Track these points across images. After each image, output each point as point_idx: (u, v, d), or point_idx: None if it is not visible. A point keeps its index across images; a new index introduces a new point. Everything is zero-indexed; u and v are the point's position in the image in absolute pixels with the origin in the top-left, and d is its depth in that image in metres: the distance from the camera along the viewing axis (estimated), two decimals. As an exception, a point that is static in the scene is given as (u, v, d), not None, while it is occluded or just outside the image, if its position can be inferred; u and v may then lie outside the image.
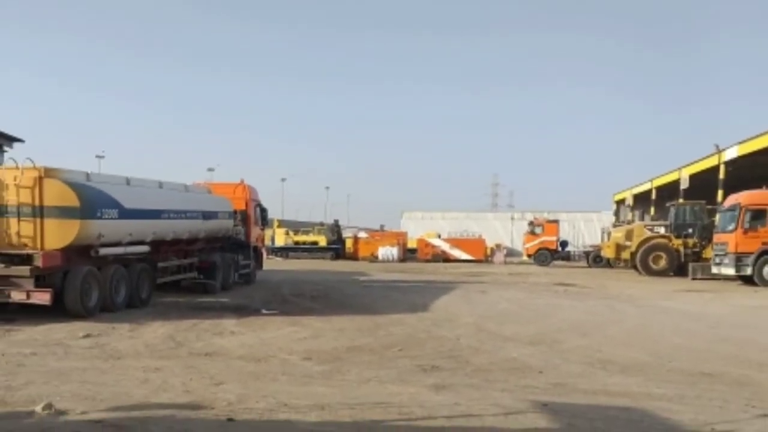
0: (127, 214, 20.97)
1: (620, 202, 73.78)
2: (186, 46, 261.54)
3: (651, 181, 61.30)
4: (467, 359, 14.52)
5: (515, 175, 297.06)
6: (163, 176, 25.59)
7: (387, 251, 62.87)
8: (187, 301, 24.32)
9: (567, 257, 62.19)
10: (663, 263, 43.82)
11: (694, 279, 40.10)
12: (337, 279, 37.52)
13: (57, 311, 18.89)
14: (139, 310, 21.32)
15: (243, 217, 31.70)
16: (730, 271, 35.87)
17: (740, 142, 41.34)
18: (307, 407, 10.05)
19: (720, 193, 42.72)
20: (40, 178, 18.98)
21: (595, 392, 11.60)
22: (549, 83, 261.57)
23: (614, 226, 62.95)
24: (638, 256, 44.77)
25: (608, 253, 52.03)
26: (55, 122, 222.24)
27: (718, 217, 39.39)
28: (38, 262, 18.59)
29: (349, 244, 66.19)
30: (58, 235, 18.98)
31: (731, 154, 42.45)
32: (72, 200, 18.94)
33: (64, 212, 18.94)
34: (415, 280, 38.12)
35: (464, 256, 64.20)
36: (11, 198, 19.04)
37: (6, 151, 46.72)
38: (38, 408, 9.43)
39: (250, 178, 43.76)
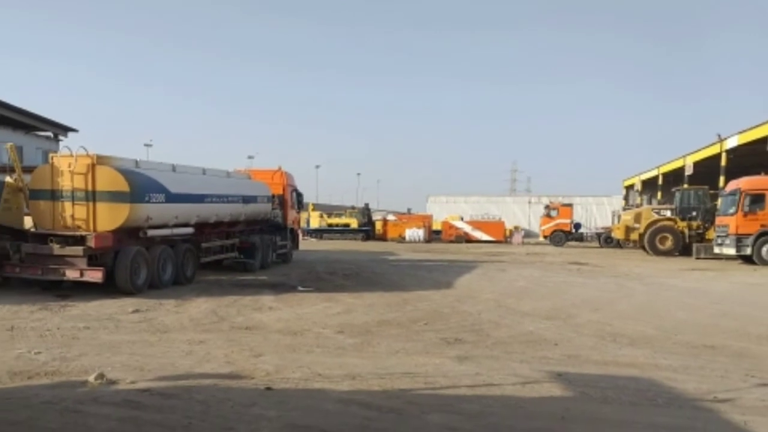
0: (173, 198, 21.01)
1: (629, 187, 73.44)
2: (228, 42, 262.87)
3: (658, 167, 61.10)
4: (488, 333, 14.45)
5: (533, 162, 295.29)
6: (207, 163, 25.54)
7: (414, 233, 62.83)
8: (229, 278, 24.34)
9: (580, 238, 62.29)
10: (669, 244, 43.87)
11: (697, 258, 40.26)
12: (367, 258, 37.49)
13: (108, 288, 18.99)
14: (184, 287, 21.36)
15: (280, 201, 31.73)
16: (731, 251, 36.07)
17: (740, 132, 41.34)
18: (339, 377, 10.02)
19: (722, 179, 42.80)
20: (93, 165, 19.03)
21: (606, 363, 11.54)
22: (564, 77, 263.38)
23: (624, 209, 62.87)
24: (646, 237, 44.85)
25: (618, 234, 52.44)
26: (107, 113, 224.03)
27: (719, 201, 39.51)
28: (91, 243, 18.65)
29: (378, 226, 66.14)
30: (110, 217, 19.02)
31: (732, 142, 42.51)
32: (122, 185, 18.98)
33: (115, 197, 18.98)
34: (440, 260, 38.03)
35: (485, 237, 64.04)
36: (66, 183, 19.09)
37: (61, 140, 47.08)
38: (91, 378, 9.44)
39: (287, 165, 43.93)
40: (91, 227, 19.03)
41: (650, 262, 38.00)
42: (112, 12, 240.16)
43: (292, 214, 33.74)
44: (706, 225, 42.92)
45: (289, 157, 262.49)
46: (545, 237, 62.01)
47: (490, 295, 21.18)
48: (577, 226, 63.33)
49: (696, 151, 49.61)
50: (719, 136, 43.93)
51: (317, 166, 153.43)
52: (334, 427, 7.54)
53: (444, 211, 74.01)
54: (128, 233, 19.84)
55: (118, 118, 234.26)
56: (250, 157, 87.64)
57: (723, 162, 43.68)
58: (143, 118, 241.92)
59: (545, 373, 10.58)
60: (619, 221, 54.98)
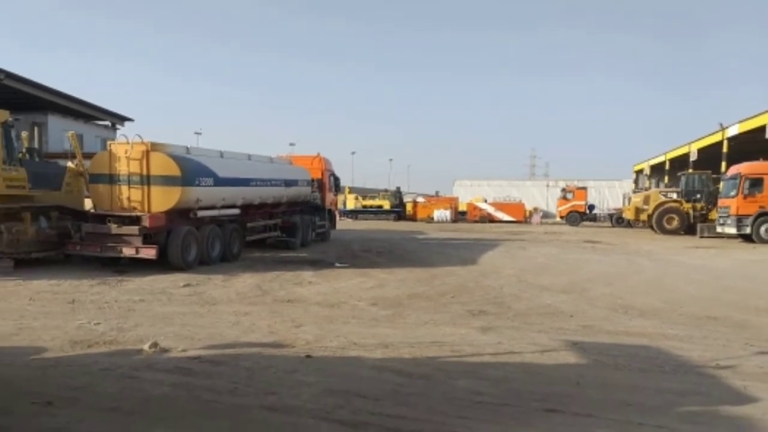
0: (220, 182, 21.06)
1: (639, 172, 72.98)
2: (272, 40, 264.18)
3: (665, 154, 60.82)
4: (509, 305, 14.42)
5: (550, 149, 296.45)
6: (251, 150, 25.54)
7: (441, 213, 62.66)
8: (272, 255, 24.39)
9: (594, 219, 61.95)
10: (675, 224, 43.78)
11: (701, 237, 40.18)
12: (398, 237, 37.44)
13: (161, 264, 19.07)
14: (231, 263, 21.41)
15: (319, 185, 31.70)
16: (732, 230, 36.22)
17: (740, 121, 41.38)
18: (373, 345, 10.03)
19: (723, 164, 42.61)
20: (148, 152, 19.11)
21: (617, 333, 11.52)
22: (579, 71, 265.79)
23: (634, 192, 62.49)
24: (654, 217, 44.80)
25: (629, 215, 52.40)
26: (160, 104, 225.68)
27: (722, 184, 39.55)
28: (146, 223, 18.76)
29: (409, 207, 65.92)
30: (163, 199, 19.10)
31: (733, 131, 42.54)
32: (174, 170, 19.05)
33: (168, 180, 19.06)
34: (465, 238, 37.90)
35: (506, 217, 63.74)
36: (123, 168, 19.20)
37: (118, 129, 47.34)
38: (146, 346, 9.50)
39: (326, 151, 44.00)
40: (146, 208, 19.12)
41: (658, 241, 37.80)
42: (164, 12, 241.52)
43: (329, 196, 33.75)
44: (709, 206, 42.79)
45: (327, 144, 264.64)
46: (562, 217, 61.82)
47: (512, 270, 21.11)
48: (591, 207, 63.19)
49: (700, 139, 49.54)
50: (721, 125, 43.90)
51: (353, 153, 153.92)
52: (369, 391, 7.53)
53: (469, 193, 73.86)
54: (180, 214, 19.93)
55: (171, 108, 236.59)
56: (291, 144, 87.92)
57: (725, 149, 43.65)
58: (194, 108, 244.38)
59: (562, 342, 10.58)
60: (629, 203, 54.86)
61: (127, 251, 18.95)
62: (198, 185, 19.88)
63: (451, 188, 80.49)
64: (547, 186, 78.80)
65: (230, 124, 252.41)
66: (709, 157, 47.19)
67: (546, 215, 68.47)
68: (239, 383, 7.79)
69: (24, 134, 21.74)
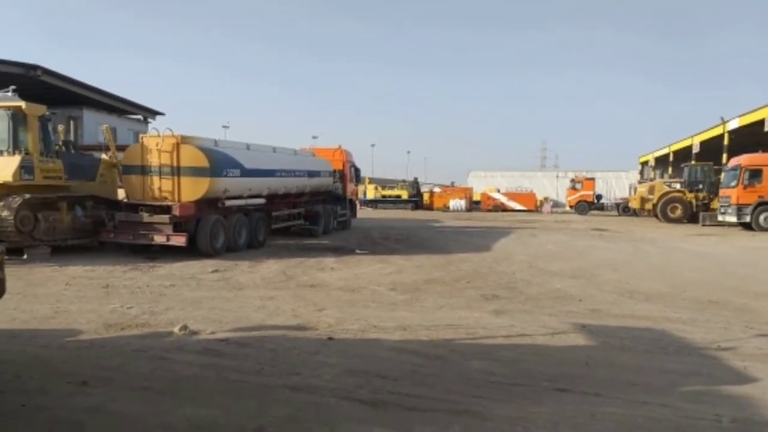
0: (247, 173, 21.09)
1: (644, 164, 72.54)
2: (297, 37, 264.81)
3: (669, 146, 60.44)
4: (521, 290, 14.41)
5: (560, 141, 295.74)
6: (276, 143, 25.56)
7: (456, 203, 62.58)
8: (296, 243, 24.44)
9: (601, 208, 62.29)
10: (679, 213, 43.81)
11: (703, 225, 40.05)
12: (416, 225, 37.42)
13: (190, 251, 19.17)
14: (256, 250, 21.47)
15: (340, 175, 31.67)
16: (733, 219, 36.25)
17: (740, 115, 41.26)
18: (392, 328, 10.05)
19: (724, 156, 42.43)
20: (178, 144, 19.16)
21: (623, 316, 11.50)
22: (588, 68, 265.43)
23: (639, 182, 62.18)
24: (659, 206, 44.83)
25: (634, 204, 52.19)
26: (190, 99, 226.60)
27: (723, 175, 39.48)
28: (176, 212, 18.83)
29: (426, 197, 65.82)
30: (192, 190, 19.16)
31: (733, 124, 42.37)
32: (203, 162, 19.10)
33: (197, 171, 19.12)
34: (479, 226, 37.86)
35: (518, 207, 63.61)
36: (154, 160, 19.27)
37: (150, 122, 47.48)
38: (176, 329, 9.55)
39: (346, 144, 44.06)
40: (176, 198, 19.19)
41: (662, 229, 37.65)
42: (193, 12, 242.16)
43: (350, 186, 33.73)
44: (711, 196, 42.77)
45: (348, 137, 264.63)
46: (571, 207, 61.85)
47: (523, 257, 21.10)
48: (599, 197, 63.60)
49: (702, 132, 49.22)
50: (722, 119, 43.70)
51: (373, 145, 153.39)
52: (388, 372, 7.55)
53: (483, 184, 73.63)
54: (208, 203, 19.98)
55: (200, 103, 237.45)
56: (314, 137, 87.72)
57: (725, 141, 43.45)
58: (222, 103, 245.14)
59: (571, 325, 10.57)
60: (635, 193, 54.73)
61: (158, 239, 19.05)
62: (225, 176, 19.92)
63: (465, 179, 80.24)
64: (557, 177, 78.44)
65: (256, 118, 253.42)
66: (711, 149, 46.91)
67: (556, 204, 68.18)
68: (264, 364, 7.83)
69: (60, 128, 21.84)
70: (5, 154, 18.52)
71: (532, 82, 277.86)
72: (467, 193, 66.03)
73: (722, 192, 38.26)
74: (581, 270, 17.99)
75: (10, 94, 19.98)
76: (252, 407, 6.27)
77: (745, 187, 35.56)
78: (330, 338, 9.31)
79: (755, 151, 38.13)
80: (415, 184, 67.92)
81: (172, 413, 6.07)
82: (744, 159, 36.80)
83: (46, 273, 15.67)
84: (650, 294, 14.05)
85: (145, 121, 48.25)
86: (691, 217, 43.12)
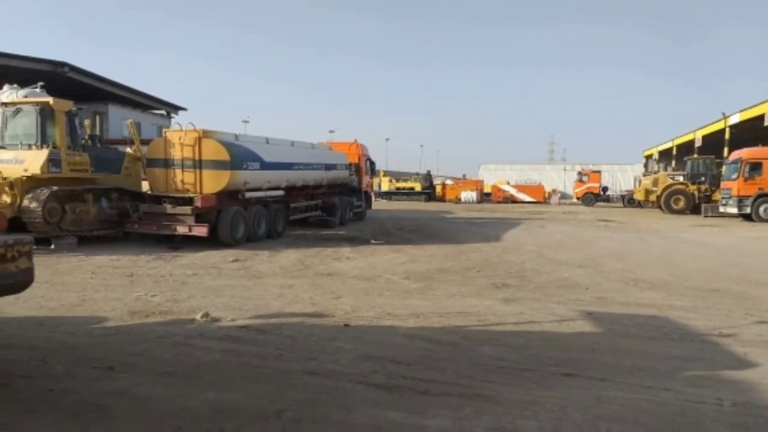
0: (266, 166, 21.14)
1: (648, 157, 72.47)
2: (314, 35, 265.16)
3: (672, 140, 60.50)
4: (530, 278, 14.40)
5: (568, 135, 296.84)
6: (295, 137, 25.67)
7: (468, 195, 62.45)
8: (313, 233, 24.49)
9: (607, 200, 62.10)
10: (682, 204, 43.60)
11: (705, 216, 39.92)
12: (428, 216, 37.40)
13: (212, 241, 19.24)
14: (275, 240, 21.52)
15: (356, 168, 31.74)
16: (734, 210, 36.20)
17: (741, 110, 41.37)
18: (406, 315, 10.06)
19: (726, 149, 42.47)
20: (199, 138, 19.21)
21: (628, 304, 11.48)
22: (594, 64, 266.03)
23: (644, 175, 62.02)
24: (662, 198, 44.62)
25: (639, 196, 52.22)
26: (212, 95, 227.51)
27: (724, 168, 39.42)
28: (198, 204, 18.92)
29: (438, 189, 65.74)
30: (213, 182, 19.22)
31: (734, 119, 42.51)
32: (224, 155, 19.16)
33: (218, 165, 19.17)
34: (489, 218, 37.80)
35: (527, 198, 63.39)
36: (177, 154, 19.33)
37: (173, 117, 47.66)
38: (198, 316, 9.60)
39: (362, 137, 44.01)
40: (198, 190, 19.25)
41: (666, 220, 37.49)
42: (214, 11, 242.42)
43: (365, 179, 33.82)
44: (713, 188, 42.68)
45: (363, 131, 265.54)
46: (578, 198, 61.77)
47: (532, 247, 21.05)
48: (605, 189, 63.43)
49: (704, 127, 49.38)
50: (723, 114, 43.75)
51: (387, 139, 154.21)
52: (402, 357, 7.57)
53: (493, 176, 73.41)
54: (229, 195, 20.04)
55: (221, 98, 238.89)
56: (331, 132, 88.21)
57: (727, 135, 43.54)
58: (242, 99, 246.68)
59: (578, 312, 10.57)
60: (639, 185, 54.61)
61: (181, 229, 19.12)
62: (245, 169, 19.97)
63: (477, 172, 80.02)
64: (565, 170, 78.18)
65: (275, 113, 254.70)
66: (713, 143, 46.96)
67: (564, 196, 67.92)
68: (283, 350, 7.86)
69: (87, 122, 21.94)
70: (34, 147, 18.63)
71: (541, 77, 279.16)
72: (478, 185, 65.88)
73: (723, 184, 38.18)
74: (588, 259, 17.96)
75: (38, 90, 20.11)
76: (271, 391, 6.30)
77: (745, 180, 35.54)
78: (346, 325, 9.34)
79: (755, 145, 38.31)
80: (428, 177, 67.95)
81: (194, 397, 6.11)
82: (745, 152, 36.78)
83: (72, 262, 15.77)
84: (654, 282, 14.01)
85: (168, 116, 48.47)
86: (693, 208, 42.95)
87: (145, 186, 21.57)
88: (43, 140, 18.68)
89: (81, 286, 12.43)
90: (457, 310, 10.65)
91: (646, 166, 72.77)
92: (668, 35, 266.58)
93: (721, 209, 38.00)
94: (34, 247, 6.62)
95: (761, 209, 35.18)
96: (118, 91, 40.17)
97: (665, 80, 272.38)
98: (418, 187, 65.25)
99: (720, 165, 42.08)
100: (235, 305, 10.71)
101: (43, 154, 18.34)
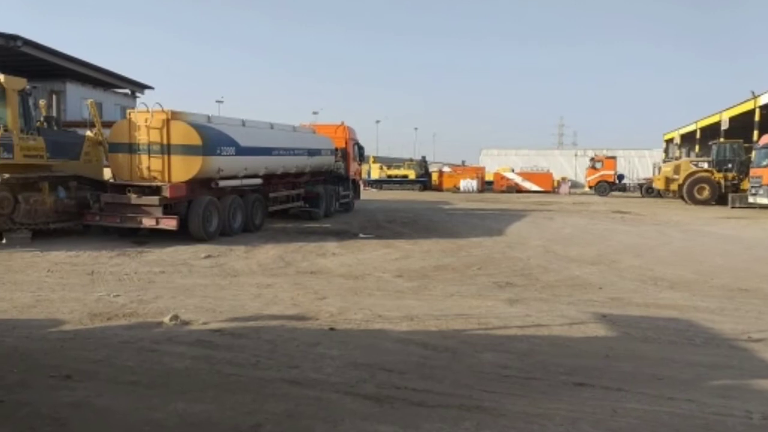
0: (242, 151, 21.13)
1: (669, 141, 72.44)
2: (295, 5, 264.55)
3: (696, 122, 60.41)
4: (537, 277, 14.44)
5: (578, 117, 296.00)
6: (274, 119, 25.59)
7: (467, 183, 62.58)
8: (295, 226, 24.50)
9: (623, 189, 61.96)
10: (706, 194, 43.72)
11: (733, 207, 39.97)
12: (424, 207, 37.50)
13: (182, 235, 19.20)
14: (252, 234, 21.50)
15: (343, 154, 31.69)
16: (765, 200, 35.94)
17: None
18: (398, 318, 10.06)
19: (755, 133, 42.11)
20: (168, 120, 19.17)
21: (647, 305, 11.51)
22: (608, 37, 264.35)
23: (664, 161, 62.16)
24: (685, 187, 44.76)
25: (659, 185, 52.42)
26: (181, 72, 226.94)
27: (753, 153, 39.18)
28: (166, 193, 18.88)
29: (434, 177, 65.94)
30: (183, 169, 19.19)
31: (765, 99, 42.12)
32: (195, 139, 19.12)
33: (188, 150, 19.14)
34: (492, 209, 37.92)
35: (534, 187, 63.61)
36: (143, 137, 19.29)
37: (138, 97, 47.51)
38: (166, 319, 9.58)
39: (349, 120, 44.07)
40: (166, 178, 19.22)
41: (688, 211, 37.67)
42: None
43: (353, 165, 33.79)
44: (741, 176, 42.70)
45: (351, 112, 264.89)
46: (590, 187, 61.79)
47: (539, 241, 21.11)
48: (621, 177, 63.35)
49: (731, 107, 49.03)
50: (753, 93, 43.55)
51: (377, 122, 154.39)
52: (394, 365, 7.57)
53: (496, 163, 73.72)
54: (201, 184, 20.03)
55: (192, 76, 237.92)
56: (314, 113, 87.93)
57: (757, 117, 43.12)
58: (215, 76, 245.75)
59: (590, 314, 10.60)
60: (659, 173, 54.84)
61: (147, 222, 19.09)
62: (219, 154, 19.95)
63: (477, 158, 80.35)
64: (576, 155, 78.60)
65: (252, 92, 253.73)
66: (741, 125, 46.60)
67: (574, 185, 68.27)
68: (261, 356, 7.85)
69: (42, 102, 21.86)
70: (-19, 131, 18.53)
71: (549, 52, 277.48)
72: (479, 172, 65.99)
73: (753, 172, 37.90)
74: (601, 256, 18.00)
75: (-13, 66, 20.00)
76: (248, 402, 6.28)
77: None
78: (331, 329, 9.33)
79: None
80: (423, 164, 67.99)
81: (162, 409, 6.08)
82: None
83: (26, 259, 15.72)
84: (675, 281, 14.06)
85: (133, 96, 48.26)
86: (719, 198, 43.03)
87: (107, 174, 21.52)
88: (-7, 122, 18.60)
89: (36, 286, 12.39)
90: (456, 312, 10.65)
91: (666, 151, 72.88)
92: (692, 3, 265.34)
93: (750, 199, 37.80)
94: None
95: None
96: (77, 68, 39.96)
97: (689, 55, 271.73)
98: (411, 174, 65.34)
99: (749, 150, 41.90)
100: (207, 307, 10.69)
101: (-7, 137, 18.24)
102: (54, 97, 24.38)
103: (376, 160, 73.13)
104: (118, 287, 12.33)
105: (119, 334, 8.82)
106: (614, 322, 10.02)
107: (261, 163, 22.72)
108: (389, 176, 65.88)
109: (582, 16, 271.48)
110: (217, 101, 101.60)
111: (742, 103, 46.14)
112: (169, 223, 18.88)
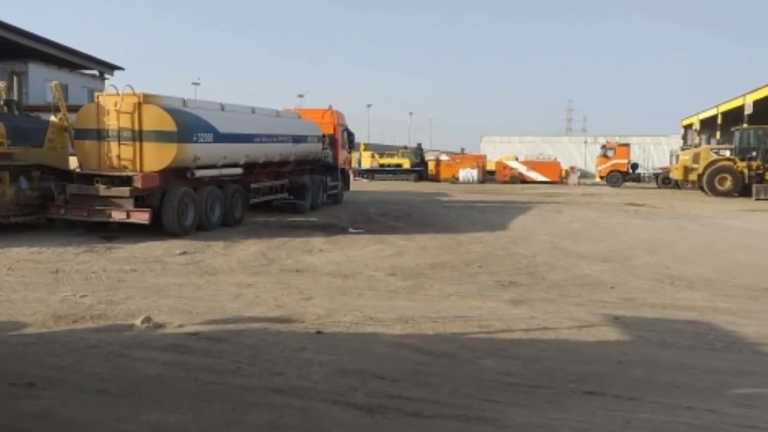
0: (221, 138, 21.08)
1: (688, 127, 72.52)
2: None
3: (717, 107, 60.30)
4: (543, 275, 14.48)
5: (588, 101, 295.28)
6: (256, 103, 25.58)
7: (467, 173, 62.58)
8: (278, 220, 24.52)
9: (637, 179, 61.87)
10: (728, 184, 43.55)
11: (757, 199, 39.95)
12: (419, 199, 37.55)
13: (155, 230, 19.14)
14: (232, 228, 21.48)
15: (331, 141, 31.69)
16: None
17: None
18: (391, 320, 10.07)
19: (782, 118, 41.88)
20: (140, 104, 19.10)
21: (663, 306, 11.55)
22: (620, 15, 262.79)
23: (682, 149, 62.24)
24: (705, 177, 44.57)
25: (676, 175, 52.01)
26: (154, 52, 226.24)
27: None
28: (137, 184, 18.80)
29: (431, 166, 65.93)
30: (156, 157, 19.14)
31: (792, 80, 41.59)
32: (169, 125, 19.05)
33: (162, 136, 19.07)
34: (494, 201, 37.96)
35: (540, 177, 63.64)
36: (112, 123, 19.20)
37: (107, 79, 47.31)
38: (137, 321, 9.56)
39: (338, 104, 43.90)
40: (138, 167, 19.16)
41: (709, 203, 37.78)
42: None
43: (343, 154, 33.79)
44: (766, 165, 42.64)
45: (340, 96, 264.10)
46: (602, 178, 61.60)
47: (545, 236, 21.17)
48: (635, 166, 63.00)
49: (756, 90, 48.60)
50: None
51: (369, 106, 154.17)
52: (386, 372, 7.56)
53: (498, 151, 73.62)
54: (175, 174, 19.98)
55: (166, 57, 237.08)
56: (300, 96, 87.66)
57: (784, 100, 42.95)
58: (192, 57, 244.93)
59: (602, 316, 10.62)
60: (677, 161, 54.73)
61: (117, 215, 19.00)
62: (196, 141, 19.90)
63: (478, 145, 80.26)
64: (585, 143, 78.57)
65: (232, 74, 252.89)
66: (766, 110, 46.52)
67: (584, 175, 68.23)
68: (242, 363, 7.84)
69: (1, 85, 21.80)
70: (-64, 116, 18.48)
71: (557, 30, 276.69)
72: (480, 161, 65.95)
73: (779, 160, 37.79)
74: (613, 252, 18.05)
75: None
76: (227, 413, 6.27)
77: None
78: (318, 332, 9.34)
79: None
80: (418, 151, 67.91)
81: (133, 420, 6.07)
82: None
83: (-16, 256, 15.68)
84: (694, 280, 14.09)
85: (102, 78, 48.13)
86: (742, 189, 42.87)
87: (73, 162, 21.45)
88: (-52, 107, 18.56)
89: (-6, 285, 12.35)
90: (454, 313, 10.66)
91: (684, 138, 73.00)
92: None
93: (776, 191, 37.71)
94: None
95: None
96: (40, 47, 39.86)
97: (709, 34, 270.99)
98: (406, 163, 65.28)
99: (775, 137, 41.76)
100: (183, 308, 10.67)
101: (-53, 123, 18.20)
102: (15, 78, 24.41)
103: (368, 147, 73.06)
104: (85, 287, 12.31)
105: (86, 338, 8.79)
106: (627, 325, 10.03)
107: (241, 151, 22.67)
108: (382, 165, 65.85)
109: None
110: (194, 83, 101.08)
111: (767, 85, 46.05)
112: (141, 217, 18.80)
